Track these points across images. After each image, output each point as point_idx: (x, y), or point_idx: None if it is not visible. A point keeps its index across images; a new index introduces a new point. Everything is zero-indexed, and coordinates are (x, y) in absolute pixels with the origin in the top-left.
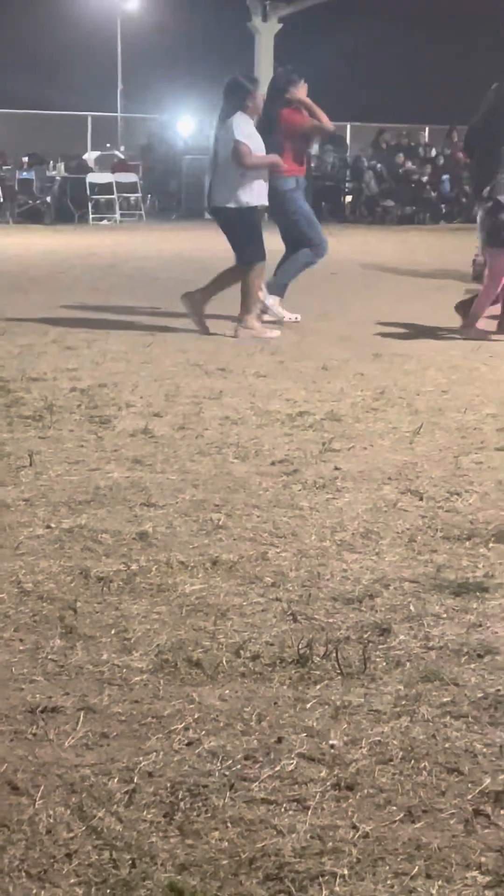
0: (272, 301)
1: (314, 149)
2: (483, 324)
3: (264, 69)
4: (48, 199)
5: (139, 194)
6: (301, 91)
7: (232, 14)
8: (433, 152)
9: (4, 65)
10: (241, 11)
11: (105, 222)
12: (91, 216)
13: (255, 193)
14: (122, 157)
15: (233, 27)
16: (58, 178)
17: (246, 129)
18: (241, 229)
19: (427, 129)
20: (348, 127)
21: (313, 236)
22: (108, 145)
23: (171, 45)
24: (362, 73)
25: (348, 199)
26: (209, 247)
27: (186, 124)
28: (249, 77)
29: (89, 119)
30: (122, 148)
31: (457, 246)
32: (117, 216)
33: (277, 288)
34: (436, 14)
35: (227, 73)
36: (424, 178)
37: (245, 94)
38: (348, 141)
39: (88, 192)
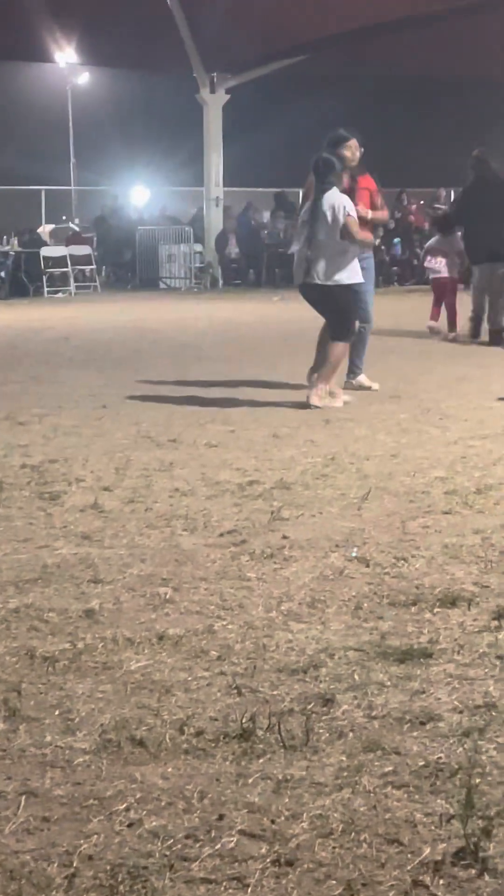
0: (361, 378)
1: (265, 216)
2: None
3: (213, 140)
4: (2, 273)
5: (94, 266)
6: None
7: (181, 86)
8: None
9: None
10: (189, 83)
11: (60, 295)
12: (46, 289)
13: (355, 271)
14: (77, 229)
15: (182, 99)
16: (11, 252)
17: (350, 205)
18: (342, 307)
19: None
20: (300, 193)
21: (371, 312)
22: (63, 218)
23: (123, 116)
24: (311, 140)
25: None
26: (164, 317)
27: (140, 195)
28: (340, 155)
29: (43, 193)
30: (77, 220)
31: (410, 307)
32: (72, 289)
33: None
34: (381, 82)
35: (177, 144)
36: (377, 242)
37: (339, 171)
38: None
39: (43, 265)
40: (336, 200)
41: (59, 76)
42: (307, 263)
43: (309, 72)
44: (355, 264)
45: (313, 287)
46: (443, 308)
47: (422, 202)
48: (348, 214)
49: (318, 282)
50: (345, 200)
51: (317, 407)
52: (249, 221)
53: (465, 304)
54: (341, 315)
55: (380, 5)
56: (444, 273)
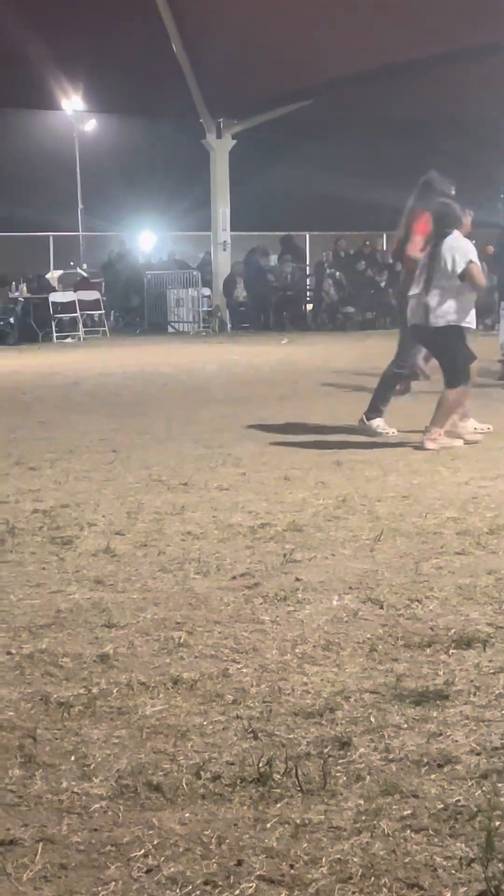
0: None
1: (272, 260)
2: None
3: (220, 185)
4: (11, 319)
5: (102, 311)
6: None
7: (188, 131)
8: (390, 258)
9: None
10: (196, 129)
11: (69, 340)
12: (55, 335)
13: (472, 315)
14: (85, 274)
15: (189, 144)
16: (20, 298)
17: (472, 250)
18: (458, 350)
19: (385, 235)
20: (307, 236)
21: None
22: (71, 263)
23: (130, 162)
24: (317, 183)
25: (309, 307)
26: (173, 361)
27: (147, 240)
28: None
29: (51, 239)
30: (85, 265)
31: None
32: (81, 334)
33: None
34: (387, 124)
35: (185, 189)
36: (383, 284)
37: (460, 215)
38: (307, 250)
39: (51, 311)
40: (457, 245)
41: (66, 123)
42: (425, 308)
43: (313, 116)
44: (471, 308)
45: (429, 329)
46: None
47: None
48: (471, 260)
49: (435, 324)
50: (467, 246)
51: (432, 449)
52: (256, 264)
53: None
54: (454, 358)
55: (381, 50)
56: None
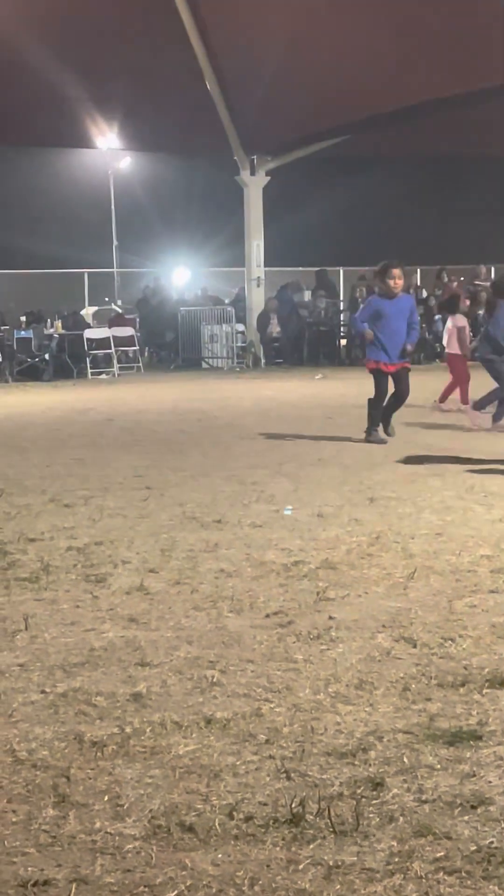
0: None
1: (306, 295)
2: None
3: (253, 221)
4: (46, 356)
5: (136, 347)
6: None
7: (221, 168)
8: (424, 293)
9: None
10: (230, 166)
11: (103, 376)
12: (89, 371)
13: None
14: (120, 310)
15: (223, 181)
16: (55, 335)
17: None
18: None
19: (419, 270)
20: (341, 272)
21: None
22: (106, 299)
23: (164, 199)
24: (351, 219)
25: (343, 342)
26: (206, 396)
27: (181, 276)
28: None
29: (86, 275)
30: (119, 302)
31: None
32: (115, 370)
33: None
34: (419, 160)
35: (219, 225)
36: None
37: None
38: (341, 285)
39: (86, 347)
40: None
41: (100, 161)
42: None
43: (347, 152)
44: None
45: None
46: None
47: (461, 279)
48: None
49: None
50: None
51: None
52: (288, 300)
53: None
54: None
55: (415, 87)
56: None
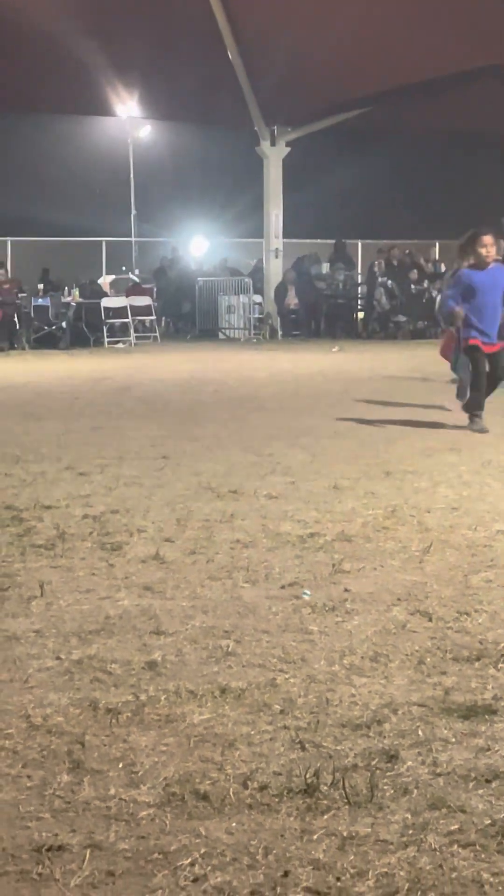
0: None
1: (324, 267)
2: None
3: (273, 192)
4: (63, 324)
5: (153, 317)
6: None
7: (241, 139)
8: (442, 267)
9: (18, 192)
10: (250, 136)
11: (120, 345)
12: (106, 340)
13: None
14: (137, 280)
15: (243, 151)
16: (73, 303)
17: None
18: None
19: (437, 244)
20: (359, 245)
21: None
22: (123, 268)
23: (183, 168)
24: (370, 191)
25: (361, 315)
26: (223, 367)
27: (199, 246)
28: None
29: (104, 244)
30: (137, 271)
31: None
32: (132, 339)
33: None
34: (439, 134)
35: (237, 196)
36: (435, 294)
37: None
38: (359, 258)
39: (103, 316)
40: None
41: (120, 129)
42: None
43: (367, 124)
44: None
45: None
46: None
47: None
48: None
49: None
50: None
51: None
52: (304, 272)
53: None
54: None
55: (440, 60)
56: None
